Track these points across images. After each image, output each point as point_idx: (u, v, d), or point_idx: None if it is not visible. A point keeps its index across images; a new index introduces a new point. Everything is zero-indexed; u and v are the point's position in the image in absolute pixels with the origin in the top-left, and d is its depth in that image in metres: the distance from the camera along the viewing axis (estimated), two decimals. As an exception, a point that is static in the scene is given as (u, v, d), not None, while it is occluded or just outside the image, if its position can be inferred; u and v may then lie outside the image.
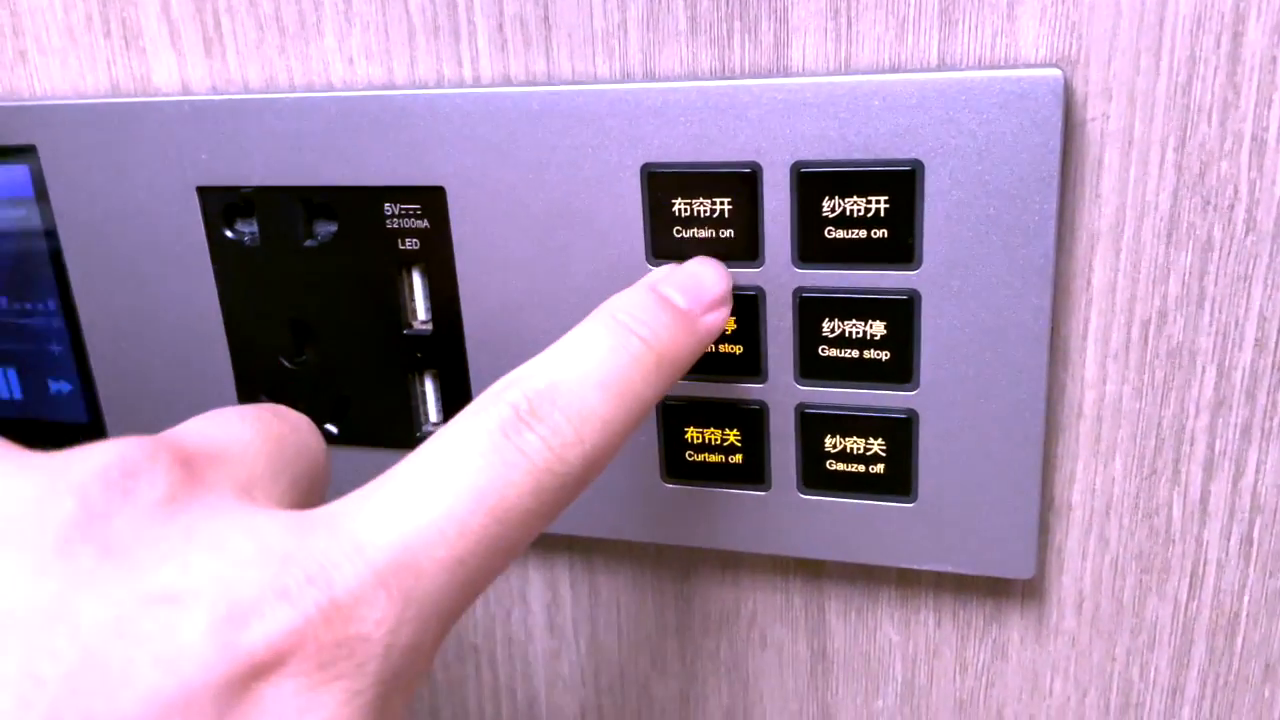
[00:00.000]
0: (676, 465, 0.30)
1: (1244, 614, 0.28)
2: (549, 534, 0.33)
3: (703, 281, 0.25)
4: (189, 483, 0.19)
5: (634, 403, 0.22)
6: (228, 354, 0.33)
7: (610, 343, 0.22)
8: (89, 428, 0.36)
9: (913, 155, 0.26)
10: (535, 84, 0.29)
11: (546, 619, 0.35)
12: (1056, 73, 0.24)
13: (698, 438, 0.30)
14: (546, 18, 0.28)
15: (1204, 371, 0.26)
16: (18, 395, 0.36)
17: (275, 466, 0.21)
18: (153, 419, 0.35)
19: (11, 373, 0.36)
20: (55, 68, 0.33)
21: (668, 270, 0.26)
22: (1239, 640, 0.28)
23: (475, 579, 0.19)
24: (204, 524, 0.18)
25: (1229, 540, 0.27)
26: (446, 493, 0.19)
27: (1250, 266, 0.25)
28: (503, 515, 0.19)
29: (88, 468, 0.18)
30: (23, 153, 0.33)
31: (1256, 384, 0.26)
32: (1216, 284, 0.26)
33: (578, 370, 0.22)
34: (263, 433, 0.21)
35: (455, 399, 0.32)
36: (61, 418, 0.36)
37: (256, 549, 0.17)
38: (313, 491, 0.22)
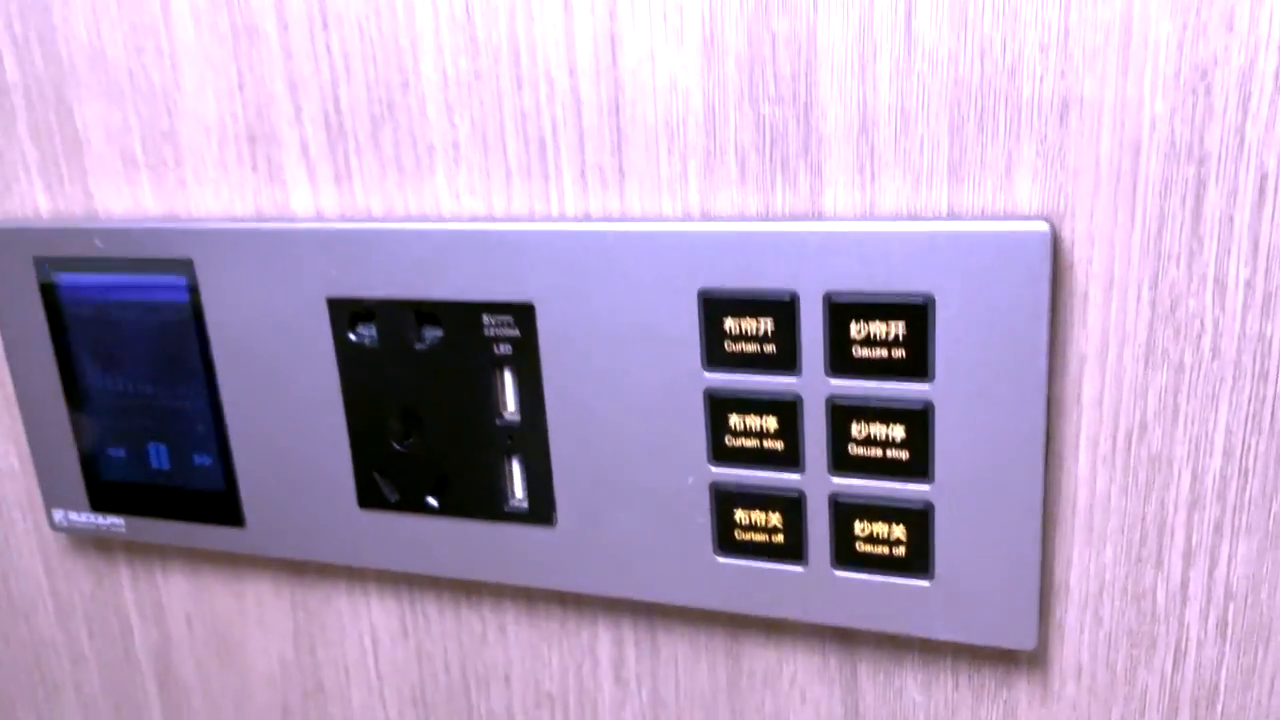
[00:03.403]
0: (727, 542, 0.35)
1: (1222, 685, 0.32)
2: (617, 598, 0.38)
3: None
4: None
5: None
6: (346, 436, 0.39)
7: None
8: (225, 495, 0.42)
9: (926, 290, 0.31)
10: (611, 220, 0.34)
11: (613, 672, 0.40)
12: (1044, 226, 0.29)
13: (745, 519, 0.35)
14: (621, 167, 0.34)
15: (1180, 475, 0.31)
16: (166, 466, 0.43)
17: None
18: (280, 490, 0.41)
19: (163, 447, 0.42)
20: (210, 194, 0.39)
21: None
22: (1219, 708, 0.32)
23: None
24: None
25: (1207, 621, 0.31)
26: None
27: (1217, 387, 0.30)
28: None
29: None
30: (181, 265, 0.39)
31: (1226, 487, 0.30)
32: (1189, 401, 0.30)
33: None
34: None
35: (538, 480, 0.37)
36: (202, 486, 0.42)
37: None
38: None
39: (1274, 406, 0.29)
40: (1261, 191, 0.28)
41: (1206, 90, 0.28)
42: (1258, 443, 0.30)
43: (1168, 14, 0.27)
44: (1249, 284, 0.29)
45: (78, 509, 0.45)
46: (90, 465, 0.44)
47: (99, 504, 0.44)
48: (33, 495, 0.47)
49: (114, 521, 0.44)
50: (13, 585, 0.50)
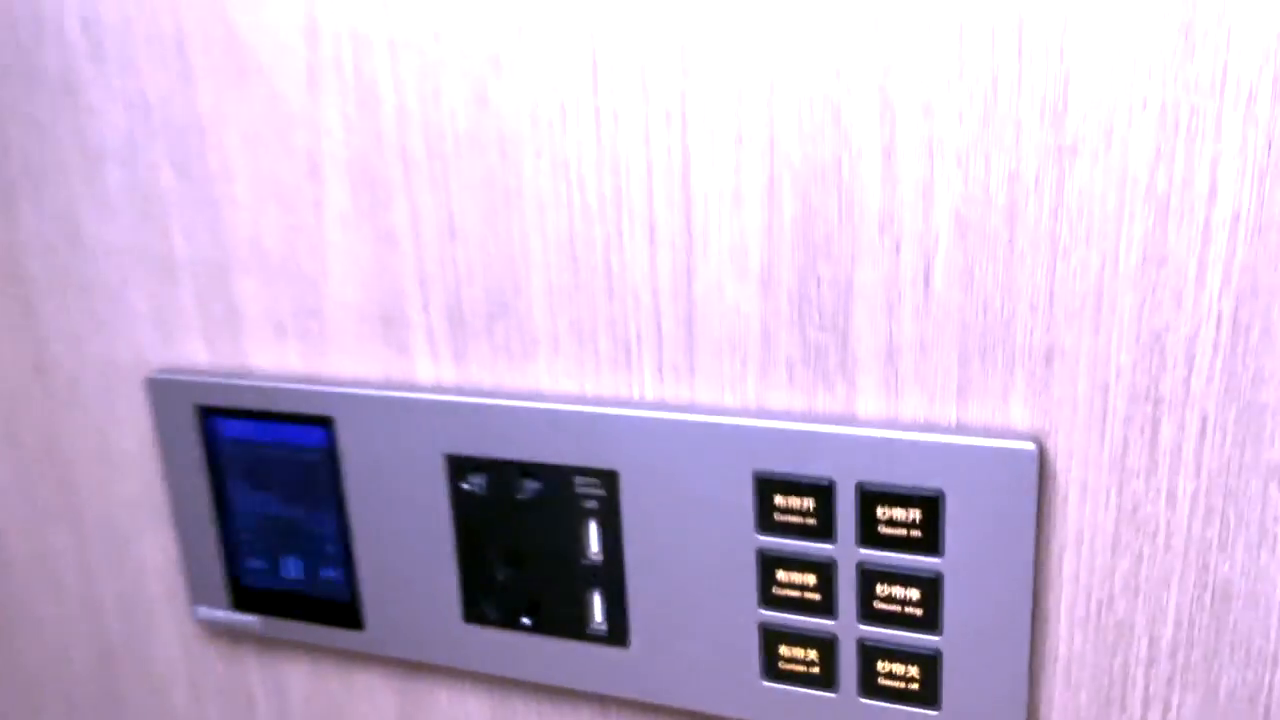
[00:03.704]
0: (772, 670, 0.43)
1: (1174, 807, 0.39)
2: (678, 708, 0.46)
3: None
4: None
5: None
6: (456, 564, 0.47)
7: None
8: (348, 605, 0.50)
9: (938, 486, 0.38)
10: (682, 409, 0.42)
11: (671, 764, 0.48)
12: (1033, 446, 0.37)
13: (788, 654, 0.42)
14: (692, 366, 0.42)
15: (1140, 639, 0.38)
16: (299, 576, 0.51)
17: None
18: (397, 604, 0.49)
19: (297, 561, 0.51)
20: (347, 361, 0.48)
21: None
22: (1171, 826, 0.40)
23: None
24: None
25: (1162, 755, 0.39)
26: None
27: (1169, 574, 0.37)
28: None
29: None
30: (322, 419, 0.48)
31: (1176, 650, 0.38)
32: (1147, 583, 0.38)
33: None
34: None
35: (615, 610, 0.45)
36: (329, 596, 0.50)
37: None
38: None
39: (1214, 592, 0.37)
40: (1203, 430, 0.35)
41: (1161, 350, 0.35)
42: (1201, 618, 0.37)
43: (1130, 288, 0.35)
44: (1194, 497, 0.36)
45: (219, 607, 0.53)
46: (232, 571, 0.52)
47: (238, 604, 0.53)
48: (176, 591, 0.56)
49: (249, 619, 0.53)
50: (153, 665, 0.58)
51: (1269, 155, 0.33)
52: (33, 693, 0.63)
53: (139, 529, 0.55)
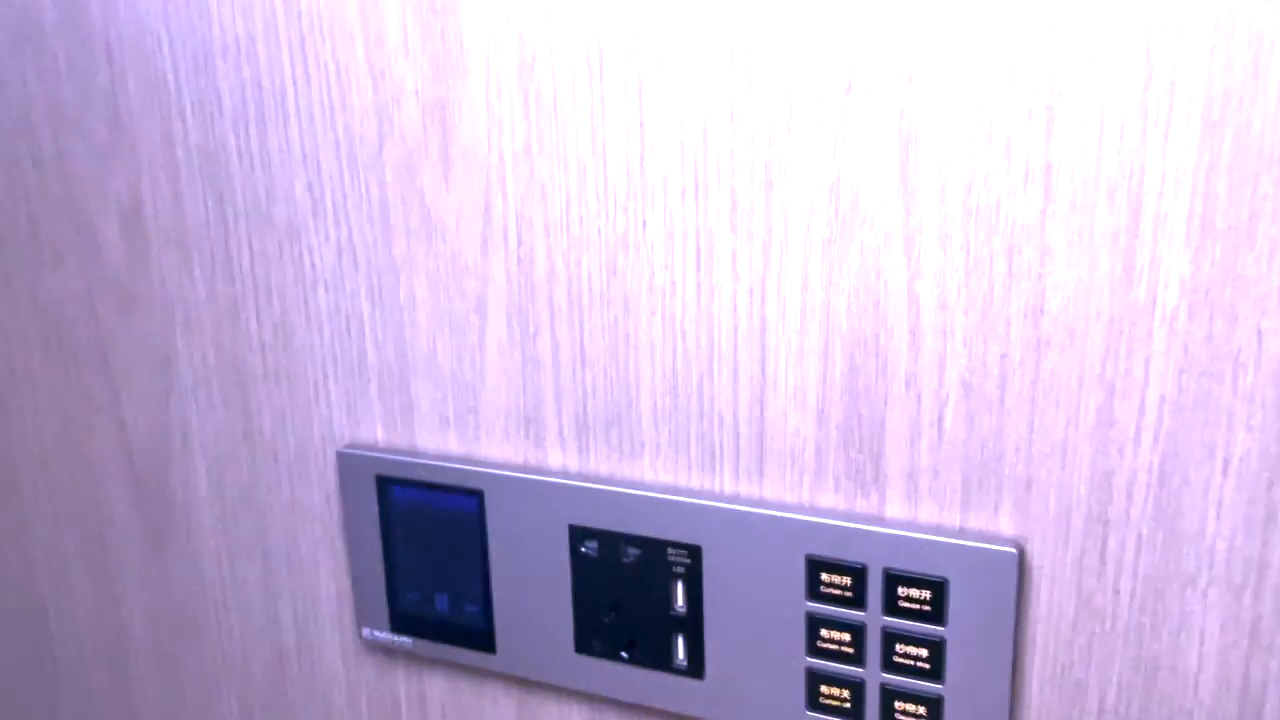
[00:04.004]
0: (814, 704, 0.56)
1: (1115, 824, 0.52)
2: (739, 726, 0.60)
3: None
4: None
5: None
6: (571, 608, 0.61)
7: None
8: (484, 633, 0.64)
9: (943, 575, 0.52)
10: (752, 503, 0.56)
11: (732, 772, 0.61)
12: (1014, 550, 0.50)
13: (826, 692, 0.56)
14: (761, 471, 0.56)
15: (1093, 695, 0.51)
16: (446, 608, 0.65)
17: None
18: (524, 635, 0.63)
19: (445, 596, 0.65)
20: (496, 448, 0.62)
21: None
22: (1113, 837, 0.52)
23: None
24: None
25: (1107, 783, 0.52)
26: None
27: (1114, 649, 0.50)
28: None
29: None
30: (474, 492, 0.62)
31: (1119, 705, 0.51)
32: (1098, 654, 0.51)
33: None
34: None
35: (695, 651, 0.59)
36: (469, 625, 0.65)
37: None
38: None
39: (1146, 665, 0.50)
40: (1139, 546, 0.48)
41: (1109, 486, 0.48)
42: (1137, 682, 0.50)
43: (1087, 442, 0.48)
44: (1132, 593, 0.49)
45: (381, 629, 0.68)
46: (393, 602, 0.67)
47: (396, 628, 0.67)
48: (344, 616, 0.71)
49: (404, 640, 0.67)
50: (318, 672, 0.73)
51: (1186, 356, 0.46)
52: (212, 688, 0.78)
53: (316, 565, 0.70)
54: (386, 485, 0.65)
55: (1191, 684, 0.49)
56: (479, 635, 0.65)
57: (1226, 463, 0.46)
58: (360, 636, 0.69)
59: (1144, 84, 0.44)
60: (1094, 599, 0.50)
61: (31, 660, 0.86)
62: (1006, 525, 0.51)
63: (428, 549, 0.65)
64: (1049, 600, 0.51)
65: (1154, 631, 0.49)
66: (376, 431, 0.65)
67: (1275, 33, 0.41)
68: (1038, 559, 0.51)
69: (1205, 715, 0.49)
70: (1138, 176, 0.45)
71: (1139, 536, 0.48)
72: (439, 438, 0.64)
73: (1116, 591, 0.50)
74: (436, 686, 0.69)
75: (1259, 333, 0.44)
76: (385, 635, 0.68)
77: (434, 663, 0.69)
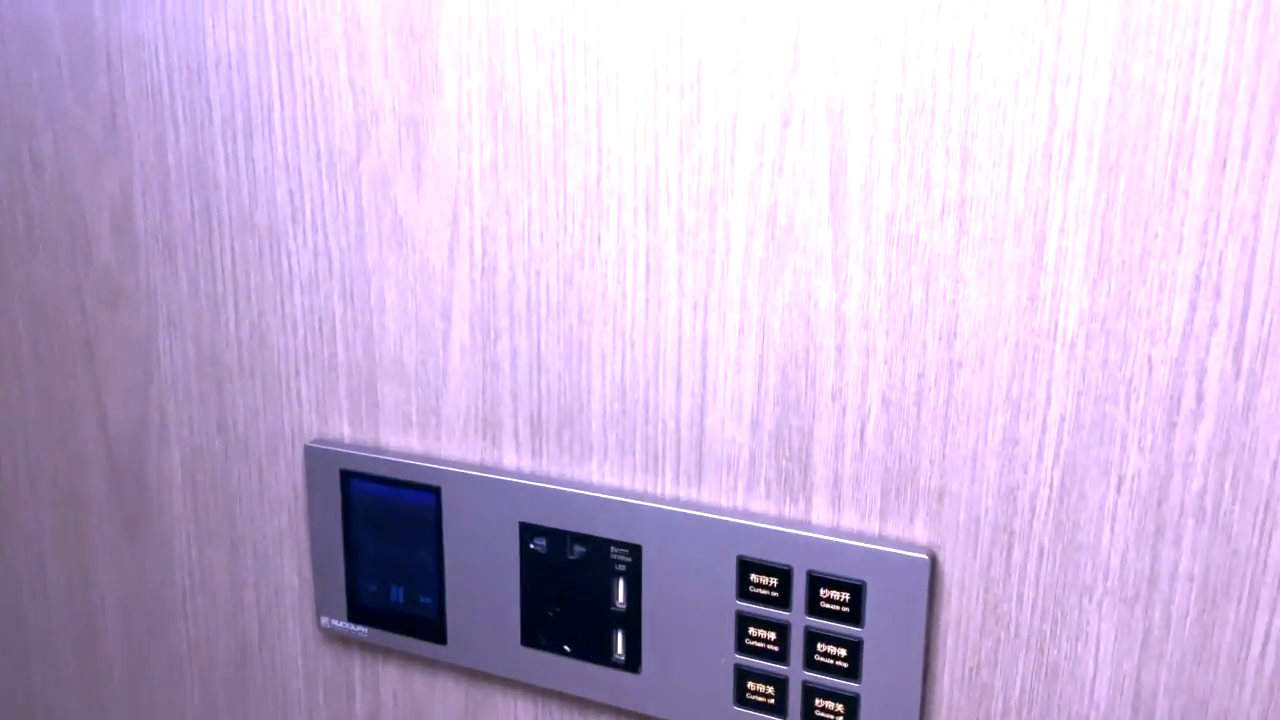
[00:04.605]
0: (741, 700, 0.60)
1: (1015, 820, 0.55)
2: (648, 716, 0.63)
3: None
4: None
5: None
6: (519, 603, 0.65)
7: None
8: (436, 624, 0.68)
9: (861, 578, 0.55)
10: (690, 506, 0.59)
11: (665, 764, 0.64)
12: (926, 557, 0.53)
13: (754, 688, 0.59)
14: (699, 476, 0.59)
15: (998, 697, 0.55)
16: (401, 600, 0.69)
17: None
18: (473, 627, 0.66)
19: (400, 589, 0.69)
20: (454, 447, 0.66)
21: None
22: (1013, 834, 0.55)
23: None
24: None
25: (1009, 782, 0.55)
26: None
27: (1017, 653, 0.54)
28: None
29: None
30: (432, 489, 0.66)
31: (1022, 707, 0.54)
32: (1003, 658, 0.54)
33: None
34: None
35: (632, 646, 0.62)
36: (422, 616, 0.68)
37: None
38: None
39: (1047, 669, 0.53)
40: (1040, 557, 0.52)
41: (1013, 499, 0.52)
42: (1038, 686, 0.54)
43: (994, 457, 0.52)
44: (1034, 602, 0.53)
45: (339, 618, 0.71)
46: (352, 593, 0.70)
47: (353, 617, 0.71)
48: (304, 605, 0.74)
49: (360, 630, 0.71)
50: (278, 659, 0.76)
51: (1084, 381, 0.50)
52: (177, 671, 0.81)
53: (281, 554, 0.74)
54: (350, 479, 0.68)
55: (1088, 689, 0.53)
56: (431, 627, 0.68)
57: (1120, 480, 0.50)
58: (319, 625, 0.72)
59: (1049, 129, 0.48)
60: (999, 606, 0.54)
61: (3, 638, 0.89)
62: (921, 533, 0.55)
63: (386, 542, 0.68)
64: (958, 605, 0.54)
65: (1054, 638, 0.53)
66: (343, 428, 0.69)
67: (1166, 87, 0.46)
68: (949, 566, 0.54)
69: (1101, 719, 0.53)
70: (1043, 213, 0.49)
71: (1040, 548, 0.52)
72: (401, 436, 0.67)
73: (1020, 599, 0.53)
74: (390, 676, 0.72)
75: (1149, 361, 0.48)
76: (343, 625, 0.71)
77: (388, 653, 0.72)
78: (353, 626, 0.71)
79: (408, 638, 0.69)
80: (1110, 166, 0.47)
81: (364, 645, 0.73)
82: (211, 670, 0.80)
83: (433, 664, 0.71)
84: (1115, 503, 0.50)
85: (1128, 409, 0.49)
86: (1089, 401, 0.50)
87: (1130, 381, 0.49)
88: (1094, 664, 0.52)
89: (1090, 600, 0.52)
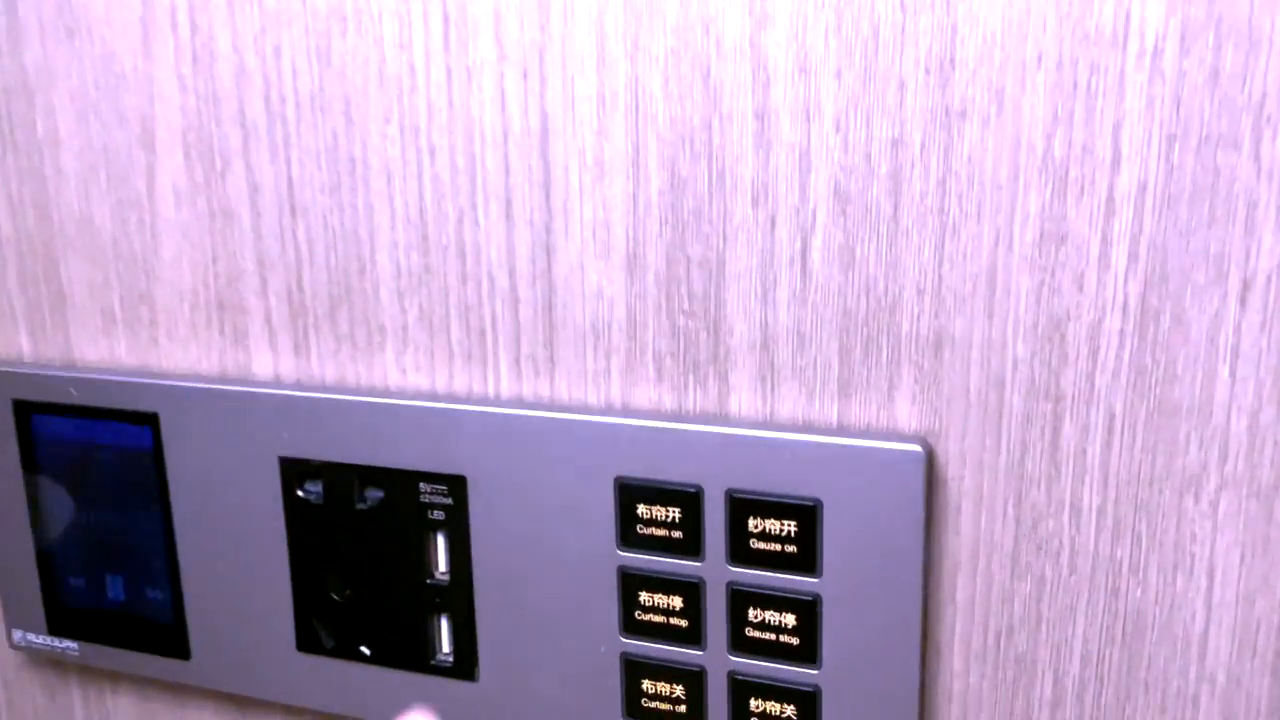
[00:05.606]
0: (634, 709, 0.38)
1: None
2: None
3: None
4: None
5: None
6: (289, 584, 0.42)
7: None
8: (173, 628, 0.44)
9: (815, 495, 0.34)
10: (540, 406, 0.37)
11: (528, 820, 0.42)
12: (918, 448, 0.32)
13: (652, 689, 0.37)
14: (551, 358, 0.37)
15: (1044, 676, 0.33)
16: (121, 597, 0.45)
17: None
18: (225, 628, 0.43)
19: (119, 579, 0.45)
20: (179, 352, 0.43)
21: None
22: None
23: None
24: None
25: (1068, 813, 0.34)
26: None
27: (1075, 600, 0.33)
28: None
29: None
30: (147, 417, 0.42)
31: (1084, 690, 0.33)
32: (1050, 609, 0.33)
33: None
34: None
35: (463, 638, 0.40)
36: (152, 618, 0.45)
37: None
38: None
39: (1125, 622, 0.32)
40: (1110, 430, 0.31)
41: (1061, 339, 0.31)
42: (1112, 653, 0.33)
43: (1027, 269, 0.31)
44: (1100, 510, 0.32)
45: (36, 631, 0.47)
46: (50, 591, 0.46)
47: (56, 628, 0.47)
48: (-6, 613, 0.50)
49: (68, 645, 0.47)
50: (-32, 697, 0.52)
51: (1177, 116, 0.29)
52: None
53: (-44, 544, 0.49)
54: (30, 415, 0.45)
55: (1195, 650, 0.32)
56: (167, 634, 0.45)
57: (1246, 286, 0.29)
58: (11, 641, 0.48)
59: None
60: (1042, 524, 0.32)
61: None
62: (907, 415, 0.33)
63: (90, 508, 0.45)
64: (975, 530, 0.33)
65: (1136, 571, 0.32)
66: (19, 338, 0.45)
67: None
68: (955, 464, 0.33)
69: (1218, 698, 0.32)
70: None
71: (1109, 418, 0.31)
72: (104, 342, 0.44)
73: (1076, 509, 0.32)
74: (124, 711, 0.48)
75: (1293, 65, 0.28)
76: (42, 640, 0.47)
77: (117, 677, 0.48)
78: (56, 641, 0.47)
79: (136, 653, 0.46)
80: None
81: (84, 669, 0.49)
82: (-117, 725, 0.55)
83: (177, 689, 0.47)
84: (1239, 326, 0.30)
85: (1256, 158, 0.29)
86: (1189, 150, 0.29)
87: (1262, 107, 0.28)
88: (1205, 608, 0.32)
89: (1197, 499, 0.31)
